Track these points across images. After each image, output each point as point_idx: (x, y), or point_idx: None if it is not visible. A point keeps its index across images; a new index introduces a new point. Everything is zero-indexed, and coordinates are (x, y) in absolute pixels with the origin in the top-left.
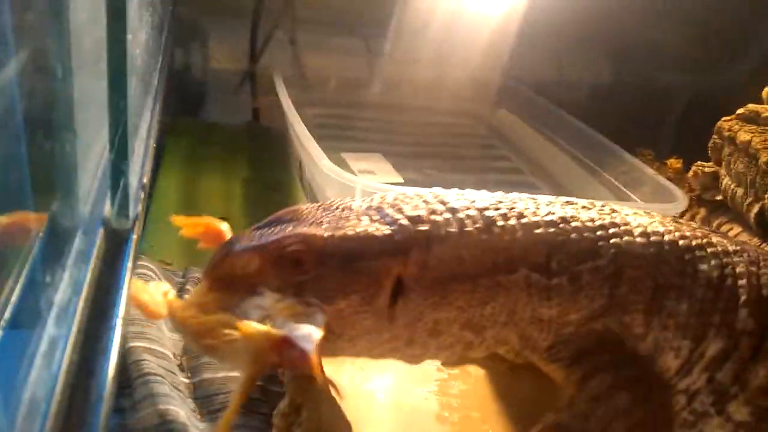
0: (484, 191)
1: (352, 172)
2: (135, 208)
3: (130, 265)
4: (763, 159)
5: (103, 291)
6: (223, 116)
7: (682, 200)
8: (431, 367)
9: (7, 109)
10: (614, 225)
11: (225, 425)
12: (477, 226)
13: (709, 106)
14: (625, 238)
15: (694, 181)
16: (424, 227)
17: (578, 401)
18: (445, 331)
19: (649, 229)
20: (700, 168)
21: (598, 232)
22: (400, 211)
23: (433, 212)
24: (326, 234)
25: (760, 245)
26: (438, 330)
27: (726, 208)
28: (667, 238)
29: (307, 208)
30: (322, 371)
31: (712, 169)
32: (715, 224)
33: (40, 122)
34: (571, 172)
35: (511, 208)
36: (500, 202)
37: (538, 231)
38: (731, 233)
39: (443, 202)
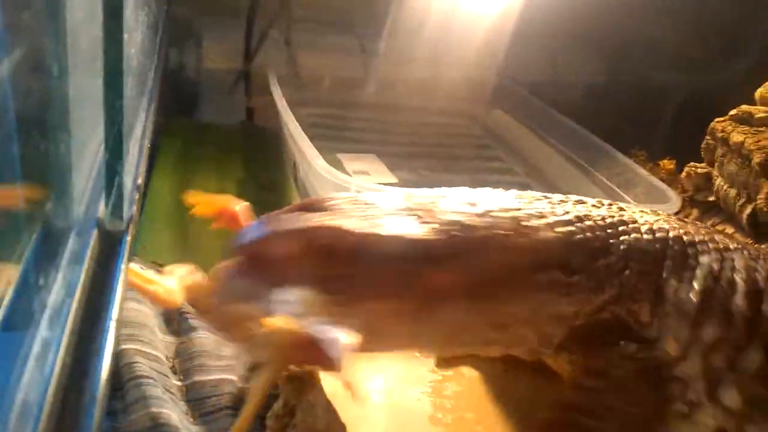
0: (499, 193)
1: (347, 173)
2: (129, 209)
3: (124, 266)
4: (755, 160)
5: (96, 292)
6: (217, 116)
7: (675, 201)
8: (425, 368)
9: (0, 108)
10: (623, 223)
11: (245, 423)
12: (505, 227)
13: (702, 106)
14: (633, 235)
15: (687, 181)
16: (456, 232)
17: (582, 379)
18: (470, 332)
19: (655, 226)
20: (693, 169)
21: (609, 230)
22: (431, 213)
23: (465, 215)
24: (363, 231)
25: (748, 240)
26: (464, 330)
27: (719, 209)
28: (671, 234)
29: (331, 200)
30: (317, 373)
31: (705, 170)
32: (707, 225)
33: (35, 121)
34: (564, 173)
35: (531, 208)
36: (521, 202)
37: (557, 230)
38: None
39: (472, 204)
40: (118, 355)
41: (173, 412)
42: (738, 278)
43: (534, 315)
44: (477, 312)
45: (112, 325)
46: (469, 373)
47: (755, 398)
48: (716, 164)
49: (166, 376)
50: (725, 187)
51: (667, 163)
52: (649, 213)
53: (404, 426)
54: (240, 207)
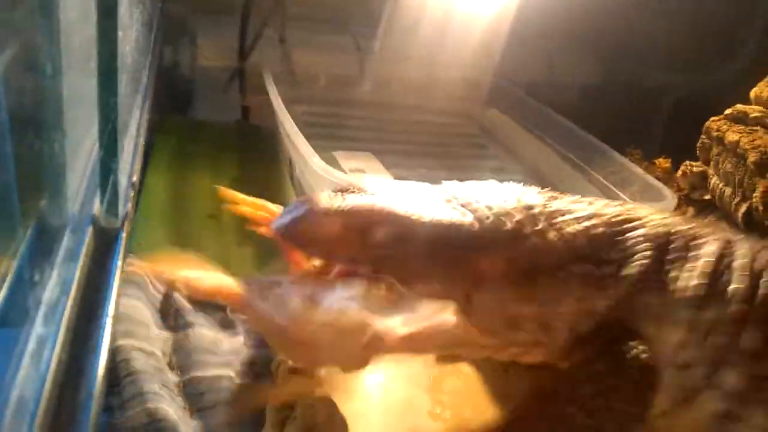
0: (534, 189)
1: (342, 171)
2: (124, 207)
3: (119, 263)
4: (751, 159)
5: (92, 290)
6: (212, 114)
7: (670, 200)
8: (423, 364)
9: None
10: (632, 219)
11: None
12: (537, 220)
13: (698, 106)
14: (641, 230)
15: (683, 180)
16: (509, 224)
17: (582, 377)
18: (517, 326)
19: (661, 223)
20: (689, 167)
21: (624, 226)
22: (483, 203)
23: (506, 212)
24: (415, 215)
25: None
26: (511, 324)
27: (714, 208)
28: (676, 228)
29: (369, 184)
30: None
31: (701, 169)
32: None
33: (29, 120)
34: (560, 172)
35: (554, 204)
36: (542, 198)
37: (583, 224)
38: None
39: (516, 203)
40: (114, 351)
41: (170, 407)
42: (738, 264)
43: (571, 310)
44: (522, 304)
45: (108, 322)
46: (467, 368)
47: (756, 379)
48: (712, 163)
49: (163, 371)
50: (720, 185)
51: (663, 162)
52: (654, 211)
53: (403, 421)
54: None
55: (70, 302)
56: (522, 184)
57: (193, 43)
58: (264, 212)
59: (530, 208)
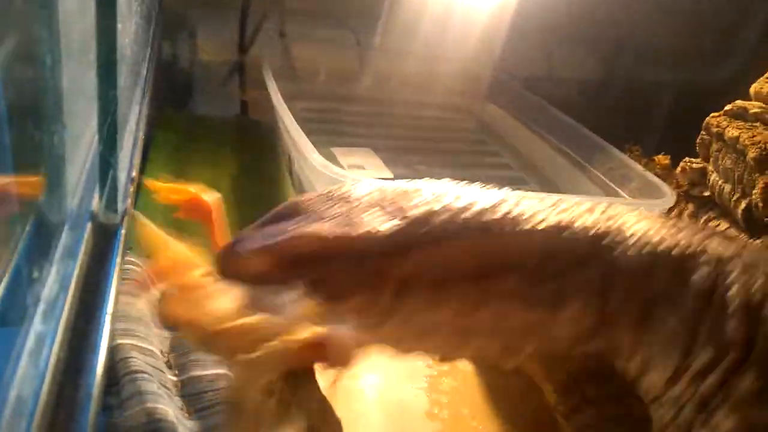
0: (482, 190)
1: (341, 167)
2: (124, 202)
3: (118, 260)
4: (751, 155)
5: (91, 287)
6: (211, 109)
7: (669, 196)
8: (421, 363)
9: None
10: (608, 234)
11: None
12: (474, 229)
13: (697, 102)
14: (619, 248)
15: (682, 177)
16: (423, 228)
17: (565, 412)
18: (434, 333)
19: (643, 240)
20: (688, 164)
21: (588, 243)
22: (401, 210)
23: (433, 213)
24: (334, 234)
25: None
26: (427, 331)
27: (714, 204)
28: (661, 248)
29: (308, 201)
30: (312, 367)
31: (700, 165)
32: (702, 220)
33: (27, 113)
34: (559, 168)
35: (508, 213)
36: (498, 205)
37: (530, 237)
38: (718, 229)
39: (443, 203)
40: (113, 350)
41: (169, 407)
42: (732, 295)
43: (497, 323)
44: (439, 312)
45: (107, 320)
46: (465, 368)
47: (748, 419)
48: (711, 159)
49: (162, 371)
50: (720, 182)
51: (662, 159)
52: (642, 220)
53: (400, 421)
54: (211, 199)
55: (68, 299)
56: (519, 180)
57: (192, 37)
58: (180, 196)
59: (454, 213)
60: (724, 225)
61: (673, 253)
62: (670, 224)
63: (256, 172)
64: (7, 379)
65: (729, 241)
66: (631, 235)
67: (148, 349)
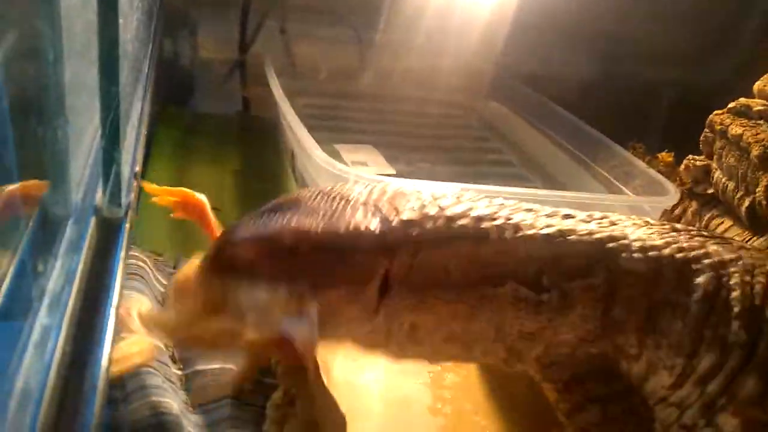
0: (484, 196)
1: (344, 164)
2: (127, 197)
3: (122, 254)
4: (754, 153)
5: (95, 280)
6: (213, 106)
7: (673, 194)
8: None
9: None
10: (612, 239)
11: None
12: (470, 236)
13: (700, 99)
14: (623, 254)
15: (686, 174)
16: (414, 231)
17: (568, 411)
18: (424, 338)
19: (647, 244)
20: (692, 161)
21: (593, 249)
22: (395, 210)
23: (428, 216)
24: (320, 228)
25: (750, 239)
26: (416, 334)
27: (717, 202)
28: (665, 252)
29: (306, 196)
30: (316, 362)
31: (704, 163)
32: (706, 218)
33: (31, 108)
34: (562, 165)
35: (508, 219)
36: (498, 211)
37: (532, 245)
38: (722, 227)
39: (441, 207)
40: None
41: (173, 401)
42: (734, 299)
43: (499, 331)
44: (425, 316)
45: (111, 313)
46: (467, 364)
47: (751, 422)
48: (715, 157)
49: (166, 365)
50: (724, 179)
51: (666, 156)
52: (642, 226)
53: (403, 416)
54: (199, 202)
55: (73, 293)
56: (521, 177)
57: (193, 35)
58: (175, 197)
59: (450, 218)
60: (727, 223)
61: (677, 257)
62: (668, 228)
63: (259, 168)
64: (12, 372)
65: (727, 243)
66: (635, 239)
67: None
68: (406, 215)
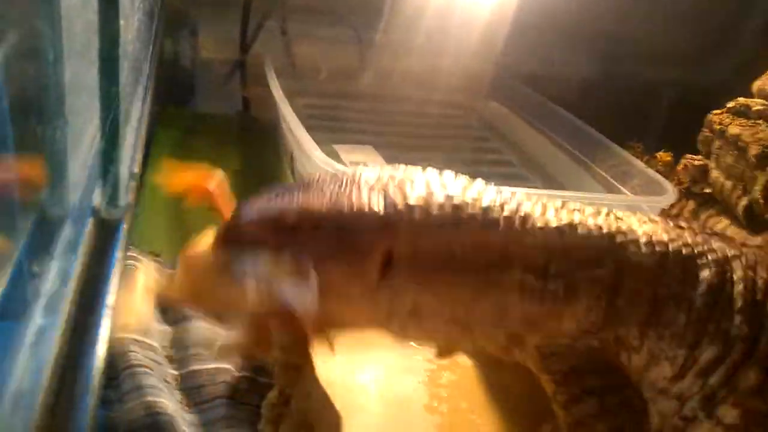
0: (492, 187)
1: (344, 164)
2: (126, 198)
3: (120, 255)
4: (752, 152)
5: (92, 281)
6: (213, 106)
7: (671, 193)
8: (420, 357)
9: None
10: (620, 233)
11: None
12: (478, 223)
13: (698, 99)
14: (630, 248)
15: (684, 173)
16: (419, 214)
17: (562, 426)
18: (426, 318)
19: (654, 238)
20: (690, 161)
21: (602, 241)
22: (402, 193)
23: (435, 201)
24: (323, 206)
25: (745, 241)
26: (417, 314)
27: (715, 201)
28: (671, 247)
29: (318, 178)
30: (312, 361)
31: (702, 162)
32: (703, 217)
33: (30, 108)
34: (561, 165)
35: (517, 210)
36: (508, 201)
37: (541, 234)
38: (719, 226)
39: (449, 194)
40: (113, 344)
41: (169, 401)
42: (736, 294)
43: (502, 316)
44: (428, 297)
45: (107, 314)
46: (464, 362)
47: (751, 413)
48: (713, 156)
49: (162, 365)
50: (722, 179)
51: (664, 155)
52: (648, 222)
53: (400, 415)
54: (214, 181)
55: (70, 294)
56: (521, 177)
57: (194, 35)
58: (183, 184)
59: (457, 206)
60: (725, 222)
61: (683, 252)
62: (673, 225)
63: (258, 169)
64: (8, 371)
65: (729, 240)
66: (642, 234)
67: (148, 343)
68: (412, 199)
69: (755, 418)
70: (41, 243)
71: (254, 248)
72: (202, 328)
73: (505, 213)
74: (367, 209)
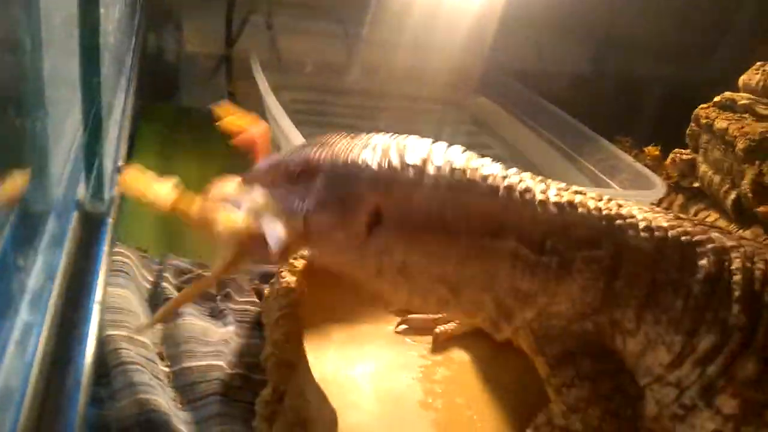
0: (499, 164)
1: None
2: (110, 191)
3: (106, 249)
4: (739, 146)
5: (78, 276)
6: (197, 101)
7: (660, 187)
8: (415, 353)
9: None
10: (620, 217)
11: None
12: (476, 188)
13: (687, 94)
14: (630, 231)
15: (672, 168)
16: (413, 173)
17: (556, 412)
18: (415, 276)
19: (653, 224)
20: (678, 155)
21: (602, 223)
22: (400, 155)
23: (432, 165)
24: (322, 157)
25: (736, 232)
26: (407, 270)
27: (703, 195)
28: (670, 233)
29: (334, 137)
30: (305, 358)
31: (690, 157)
32: (692, 211)
33: (8, 99)
34: (550, 160)
35: (520, 182)
36: (510, 175)
37: (541, 209)
38: (708, 220)
39: (449, 160)
40: (103, 342)
41: (161, 398)
42: (734, 284)
43: (491, 283)
44: (416, 255)
45: (95, 309)
46: (459, 357)
47: (750, 402)
48: (701, 151)
49: (154, 362)
50: (710, 173)
51: (652, 150)
52: (648, 210)
53: (395, 411)
54: (259, 131)
55: (55, 289)
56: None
57: (178, 29)
58: (236, 128)
59: (455, 170)
60: (713, 216)
61: (682, 239)
62: (672, 215)
63: (244, 163)
64: None
65: (727, 233)
66: (642, 219)
67: (139, 340)
68: (409, 160)
69: (753, 409)
70: (25, 237)
71: (258, 187)
72: (193, 324)
73: (506, 183)
74: (360, 164)
